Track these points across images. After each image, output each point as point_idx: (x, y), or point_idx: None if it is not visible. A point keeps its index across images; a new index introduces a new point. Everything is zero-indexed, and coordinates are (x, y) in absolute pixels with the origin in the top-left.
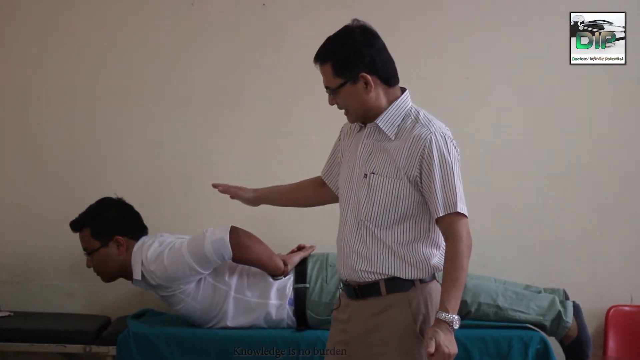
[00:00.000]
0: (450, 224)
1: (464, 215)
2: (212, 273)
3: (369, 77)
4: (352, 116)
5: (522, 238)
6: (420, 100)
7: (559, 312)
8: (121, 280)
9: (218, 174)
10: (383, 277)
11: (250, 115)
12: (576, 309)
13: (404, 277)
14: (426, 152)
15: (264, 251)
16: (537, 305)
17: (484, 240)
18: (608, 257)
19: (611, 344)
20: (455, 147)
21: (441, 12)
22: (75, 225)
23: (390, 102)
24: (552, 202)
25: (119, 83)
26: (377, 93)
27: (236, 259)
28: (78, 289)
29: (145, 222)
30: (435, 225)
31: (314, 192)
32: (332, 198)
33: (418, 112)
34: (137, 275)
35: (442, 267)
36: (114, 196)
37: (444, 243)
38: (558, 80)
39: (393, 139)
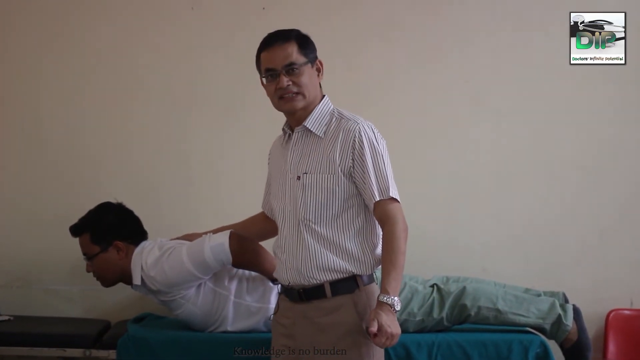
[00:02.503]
0: (385, 209)
1: (397, 200)
2: (212, 278)
3: (322, 64)
4: (301, 100)
5: (522, 242)
6: (420, 104)
7: (559, 315)
8: (121, 284)
9: (219, 178)
10: (328, 278)
11: (251, 118)
12: (576, 312)
13: (349, 272)
14: (357, 142)
15: (263, 256)
16: (537, 308)
17: (483, 244)
18: (608, 261)
19: (611, 347)
20: (382, 137)
21: (440, 15)
22: (75, 230)
23: (315, 104)
24: (551, 206)
25: (120, 86)
26: (318, 85)
27: (236, 263)
28: (78, 293)
29: (146, 225)
30: (369, 215)
31: (261, 226)
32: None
33: (340, 111)
34: (136, 281)
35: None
36: (113, 201)
37: (375, 231)
38: (558, 81)
39: (322, 137)
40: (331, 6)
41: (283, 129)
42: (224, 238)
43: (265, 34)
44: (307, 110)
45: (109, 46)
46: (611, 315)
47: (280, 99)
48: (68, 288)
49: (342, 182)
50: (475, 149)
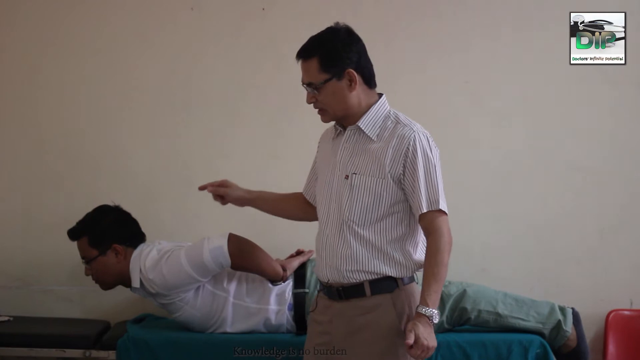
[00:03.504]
0: (432, 220)
1: (445, 212)
2: (210, 280)
3: (354, 74)
4: (328, 116)
5: (521, 243)
6: (419, 105)
7: (559, 321)
8: (120, 285)
9: (218, 179)
10: (368, 278)
11: (250, 120)
12: (575, 317)
13: (389, 275)
14: (410, 150)
15: (262, 257)
16: (536, 312)
17: (483, 245)
18: (608, 262)
19: (611, 348)
20: (436, 147)
21: (440, 14)
22: (73, 234)
23: (369, 105)
24: (551, 206)
25: (119, 87)
26: (358, 92)
27: (235, 266)
28: (77, 293)
29: (144, 228)
30: (415, 222)
31: (299, 206)
32: (315, 215)
33: (397, 114)
34: (135, 284)
35: (423, 263)
36: (111, 204)
37: (423, 239)
38: (558, 81)
39: (375, 140)
40: (330, 7)
41: (335, 126)
42: (222, 241)
43: (264, 35)
44: (361, 110)
45: (107, 47)
46: (611, 315)
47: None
48: (67, 289)
49: (391, 187)
50: (474, 150)
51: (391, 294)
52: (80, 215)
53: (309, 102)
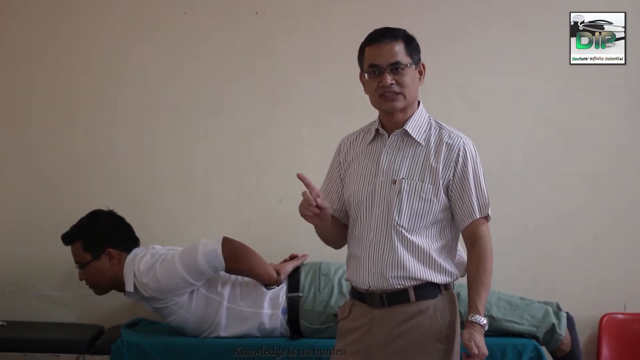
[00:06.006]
0: (477, 227)
1: (487, 219)
2: (204, 284)
3: (423, 67)
4: (402, 101)
5: (516, 247)
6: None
7: (553, 324)
8: (114, 290)
9: (212, 183)
10: (413, 284)
11: (243, 124)
12: (570, 322)
13: (434, 282)
14: (461, 157)
15: (256, 261)
16: (530, 315)
17: None
18: (601, 266)
19: (605, 352)
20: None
21: (435, 15)
22: (67, 239)
23: (413, 109)
24: (546, 210)
25: (112, 92)
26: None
27: (229, 269)
28: (71, 298)
29: (138, 232)
30: (454, 230)
31: (340, 226)
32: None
33: (437, 120)
34: (129, 288)
35: (462, 270)
36: (105, 208)
37: (456, 245)
38: (558, 81)
39: (423, 144)
40: (323, 11)
41: (377, 129)
42: (216, 244)
43: (257, 39)
44: (406, 114)
45: (100, 51)
46: (605, 319)
47: (381, 97)
48: (61, 293)
49: (440, 194)
50: None
51: (434, 299)
52: (74, 220)
53: (388, 83)
